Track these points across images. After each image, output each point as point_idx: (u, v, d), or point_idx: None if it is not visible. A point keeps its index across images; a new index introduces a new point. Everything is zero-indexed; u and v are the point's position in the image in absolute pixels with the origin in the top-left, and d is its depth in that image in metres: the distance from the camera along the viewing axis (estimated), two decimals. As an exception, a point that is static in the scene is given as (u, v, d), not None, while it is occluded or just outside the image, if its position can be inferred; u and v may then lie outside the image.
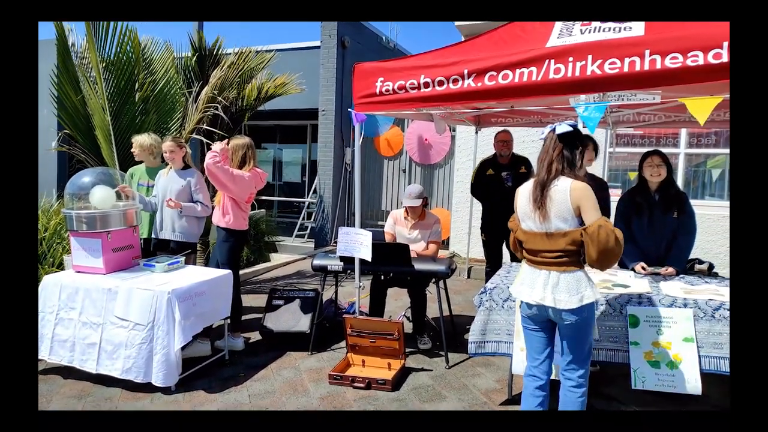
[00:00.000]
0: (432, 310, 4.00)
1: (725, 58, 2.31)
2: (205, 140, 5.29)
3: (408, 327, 4.03)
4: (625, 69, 2.55)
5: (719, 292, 2.69)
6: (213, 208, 3.85)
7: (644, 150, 3.56)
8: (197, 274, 3.44)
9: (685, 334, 2.49)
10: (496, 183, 4.70)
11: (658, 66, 2.47)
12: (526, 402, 2.39)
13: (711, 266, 3.82)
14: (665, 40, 2.46)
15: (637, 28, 2.59)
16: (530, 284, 2.24)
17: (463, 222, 6.91)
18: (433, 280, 3.74)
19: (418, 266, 3.63)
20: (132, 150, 4.07)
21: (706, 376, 2.53)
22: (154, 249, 3.90)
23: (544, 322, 2.30)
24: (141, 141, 4.02)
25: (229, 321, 3.71)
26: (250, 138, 3.83)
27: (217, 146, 3.63)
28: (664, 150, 6.28)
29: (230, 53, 5.88)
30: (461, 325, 4.36)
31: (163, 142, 3.88)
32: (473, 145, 6.24)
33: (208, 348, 3.62)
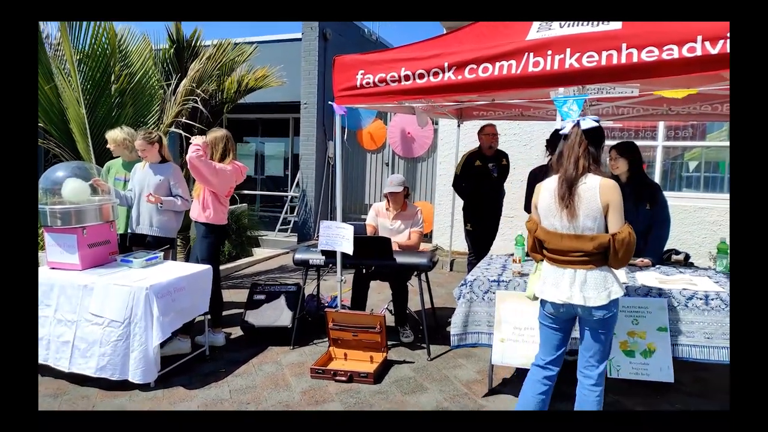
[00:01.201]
0: (414, 303, 4.01)
1: (699, 52, 2.34)
2: (183, 134, 5.20)
3: (390, 320, 4.04)
4: (603, 62, 2.57)
5: (693, 282, 2.75)
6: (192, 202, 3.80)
7: (612, 142, 3.61)
8: (176, 269, 3.39)
9: (659, 324, 2.54)
10: (484, 173, 4.81)
11: (635, 59, 2.49)
12: (531, 387, 2.32)
13: (687, 257, 3.89)
14: (641, 34, 2.48)
15: (614, 22, 2.61)
16: (554, 283, 2.19)
17: (445, 215, 6.93)
18: (415, 273, 3.75)
19: (400, 259, 3.64)
20: (108, 146, 3.99)
21: (678, 364, 2.59)
22: (129, 244, 3.83)
23: (566, 321, 2.25)
24: (114, 136, 3.94)
25: (209, 316, 3.67)
26: (227, 130, 3.78)
27: (198, 140, 3.57)
28: (642, 143, 6.38)
29: (209, 45, 5.78)
30: (443, 318, 4.38)
31: (135, 138, 3.81)
32: (455, 139, 6.26)
33: (188, 345, 3.59)
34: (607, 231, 2.11)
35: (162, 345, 3.24)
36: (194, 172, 3.47)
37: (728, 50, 2.30)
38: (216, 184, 3.58)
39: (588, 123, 2.16)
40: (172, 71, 5.75)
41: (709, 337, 2.54)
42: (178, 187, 3.78)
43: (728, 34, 2.31)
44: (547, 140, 4.46)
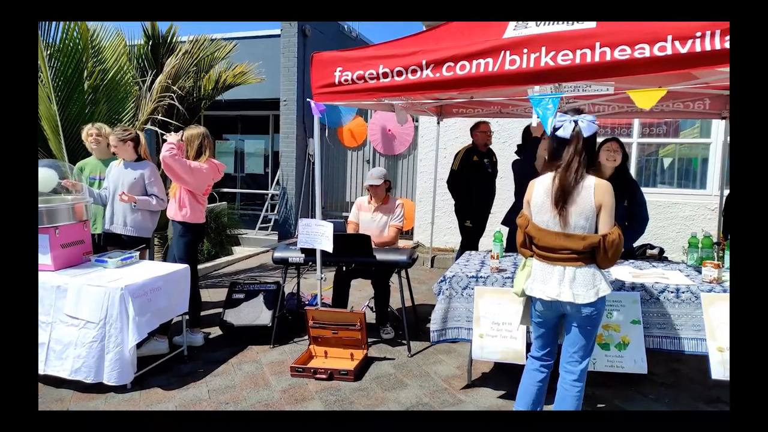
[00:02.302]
0: (396, 300, 4.02)
1: (669, 51, 2.39)
2: (159, 131, 5.12)
3: (372, 317, 4.05)
4: (577, 60, 2.60)
5: (665, 276, 2.82)
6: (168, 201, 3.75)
7: (599, 140, 3.66)
8: (152, 269, 3.34)
9: (632, 317, 2.60)
10: (481, 169, 4.95)
11: (608, 58, 2.53)
12: (528, 377, 2.37)
13: (662, 251, 3.99)
14: (614, 32, 2.52)
15: (588, 21, 2.64)
16: (543, 281, 2.21)
17: (426, 212, 6.96)
18: (396, 269, 3.76)
19: (380, 256, 3.64)
20: (90, 139, 3.91)
21: (652, 355, 2.66)
22: (104, 243, 3.76)
23: (556, 317, 2.28)
24: (105, 132, 3.89)
25: (187, 316, 3.63)
26: (205, 128, 3.73)
27: (172, 137, 3.52)
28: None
29: (185, 41, 5.69)
30: (424, 314, 4.41)
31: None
32: (435, 136, 6.28)
33: (166, 345, 3.54)
34: (597, 231, 2.14)
35: (139, 346, 3.19)
36: (168, 171, 3.42)
37: (696, 49, 2.36)
38: (192, 182, 3.53)
39: (587, 125, 2.15)
40: (148, 67, 5.65)
41: (680, 328, 2.61)
42: (154, 186, 3.72)
43: (697, 34, 2.37)
44: (518, 146, 4.54)
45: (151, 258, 4.56)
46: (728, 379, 2.48)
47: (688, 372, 3.28)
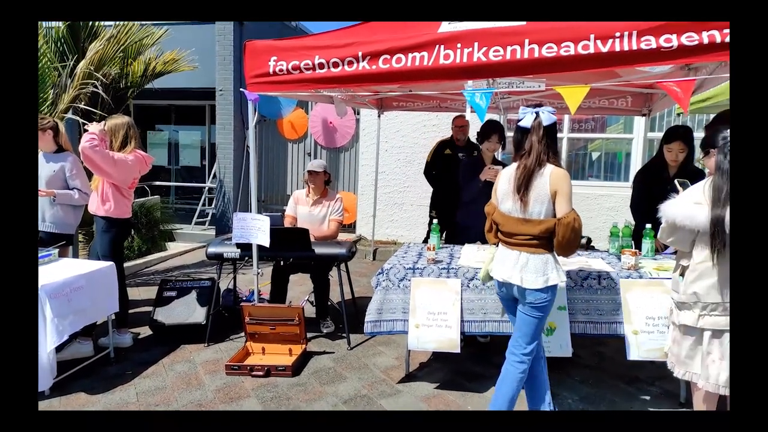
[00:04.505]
0: (336, 294, 4.00)
1: (592, 50, 2.50)
2: (82, 120, 4.79)
3: (312, 312, 4.01)
4: (508, 57, 2.66)
5: (588, 263, 2.98)
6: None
7: None
8: (73, 267, 3.13)
9: (558, 303, 2.73)
10: (451, 162, 4.93)
11: (536, 55, 2.61)
12: (512, 368, 2.38)
13: (589, 240, 4.21)
14: (542, 30, 2.61)
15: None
16: (501, 262, 2.31)
17: (368, 205, 6.97)
18: (335, 263, 3.73)
19: (319, 250, 3.61)
20: None
21: (578, 340, 2.81)
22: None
23: (510, 299, 2.37)
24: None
25: (114, 316, 3.43)
26: (129, 117, 3.53)
27: (94, 127, 3.31)
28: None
29: (110, 25, 5.35)
30: (364, 307, 4.37)
31: None
32: (377, 129, 6.29)
33: (90, 348, 3.34)
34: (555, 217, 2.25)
35: (59, 349, 3.00)
36: (89, 163, 3.21)
37: (616, 48, 2.49)
38: (115, 175, 3.34)
39: (547, 116, 2.25)
40: (68, 52, 5.26)
41: (601, 313, 2.76)
42: (76, 179, 3.48)
43: (617, 34, 2.50)
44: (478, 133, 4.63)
45: (75, 256, 4.28)
46: (642, 359, 2.66)
47: (610, 354, 3.49)
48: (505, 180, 2.35)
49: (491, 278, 2.43)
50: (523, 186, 2.23)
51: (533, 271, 2.22)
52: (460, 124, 5.00)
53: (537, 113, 2.28)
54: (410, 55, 2.87)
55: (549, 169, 2.23)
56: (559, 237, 2.18)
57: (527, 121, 2.29)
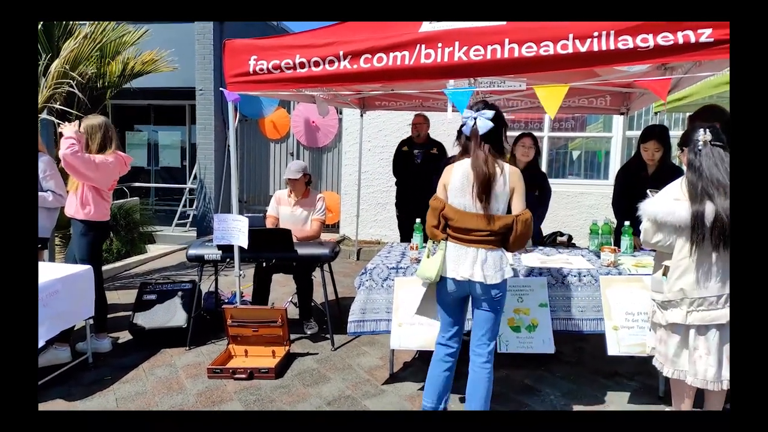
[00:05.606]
0: (320, 295, 3.98)
1: (570, 50, 2.53)
2: (57, 121, 4.69)
3: (295, 313, 3.98)
4: (488, 56, 2.67)
5: (569, 261, 3.02)
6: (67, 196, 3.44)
7: (516, 133, 3.84)
8: (48, 271, 3.05)
9: (540, 300, 2.76)
10: (407, 160, 5.06)
11: (516, 54, 2.62)
12: (436, 366, 2.44)
13: (570, 238, 4.26)
14: (522, 29, 2.62)
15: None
16: (456, 261, 2.28)
17: (352, 205, 6.96)
18: (319, 264, 3.71)
19: (302, 251, 3.58)
20: None
21: (560, 336, 2.84)
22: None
23: (462, 298, 2.37)
24: None
25: (92, 321, 3.36)
26: (105, 117, 3.46)
27: (69, 130, 3.22)
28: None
29: (86, 24, 5.24)
30: (348, 307, 4.36)
31: None
32: (359, 128, 6.28)
33: (67, 353, 3.26)
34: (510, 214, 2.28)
35: (34, 356, 2.92)
36: (70, 169, 3.13)
37: (594, 48, 2.52)
38: (97, 179, 3.27)
39: (483, 124, 2.25)
40: (42, 50, 5.14)
41: (582, 310, 2.80)
42: (50, 180, 3.40)
43: (594, 34, 2.53)
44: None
45: (52, 260, 4.18)
46: (622, 354, 2.69)
47: (591, 349, 3.54)
48: (459, 175, 2.31)
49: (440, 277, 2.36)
50: (486, 187, 2.22)
51: (492, 267, 2.25)
52: (415, 122, 5.09)
53: (475, 119, 2.29)
54: (391, 55, 2.87)
55: (507, 168, 2.27)
56: (516, 233, 2.22)
57: (467, 128, 2.32)
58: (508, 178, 2.26)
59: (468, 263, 2.26)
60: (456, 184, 2.31)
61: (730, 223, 2.05)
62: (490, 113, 2.28)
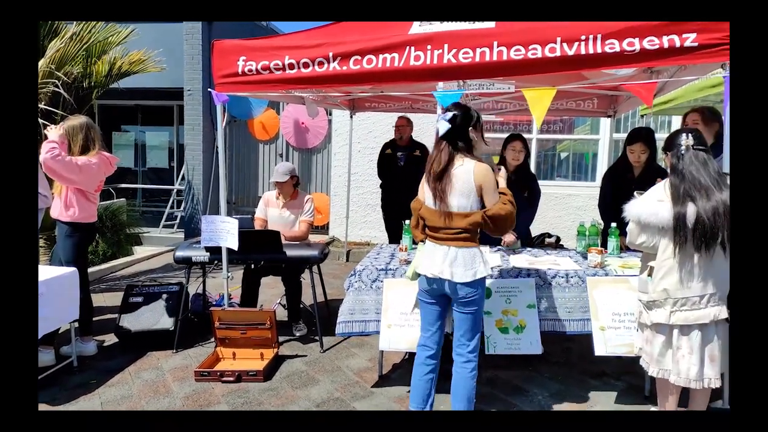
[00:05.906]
0: (309, 297, 3.97)
1: (558, 53, 2.55)
2: (42, 121, 4.62)
3: (284, 315, 3.96)
4: (477, 59, 2.69)
5: (557, 262, 3.04)
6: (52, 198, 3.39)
7: (504, 135, 3.86)
8: (32, 273, 3.01)
9: (528, 301, 2.77)
10: (391, 162, 5.10)
11: (505, 57, 2.64)
12: (418, 369, 2.45)
13: (558, 239, 4.29)
14: (511, 32, 2.65)
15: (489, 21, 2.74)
16: (430, 257, 2.32)
17: (341, 206, 6.95)
18: (308, 265, 3.70)
19: (290, 253, 3.56)
20: None
21: (547, 337, 2.85)
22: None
23: (439, 296, 2.37)
24: None
25: (77, 324, 3.31)
26: (87, 117, 3.41)
27: (53, 134, 3.17)
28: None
29: (72, 23, 5.17)
30: (337, 309, 4.35)
31: None
32: (349, 130, 6.27)
33: (52, 356, 3.21)
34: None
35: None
36: (52, 174, 3.09)
37: (582, 51, 2.54)
38: (81, 181, 3.22)
39: (442, 125, 2.29)
40: (27, 50, 5.06)
41: (569, 311, 2.82)
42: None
43: (582, 37, 2.55)
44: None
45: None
46: (608, 354, 2.72)
47: (578, 350, 3.56)
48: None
49: (418, 275, 2.42)
50: (437, 188, 2.27)
51: (462, 265, 2.25)
52: (398, 125, 5.14)
53: (440, 119, 2.35)
54: (381, 56, 2.87)
55: (471, 164, 2.26)
56: (490, 225, 2.24)
57: (441, 128, 2.34)
58: (474, 175, 2.24)
59: (438, 260, 2.29)
60: (426, 185, 2.38)
61: (726, 224, 2.09)
62: (449, 115, 2.31)
